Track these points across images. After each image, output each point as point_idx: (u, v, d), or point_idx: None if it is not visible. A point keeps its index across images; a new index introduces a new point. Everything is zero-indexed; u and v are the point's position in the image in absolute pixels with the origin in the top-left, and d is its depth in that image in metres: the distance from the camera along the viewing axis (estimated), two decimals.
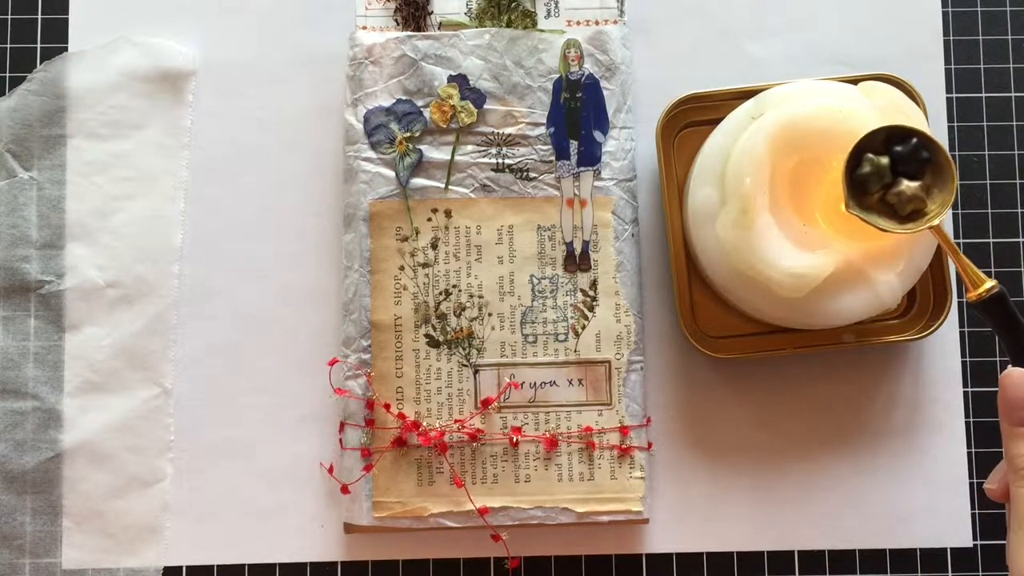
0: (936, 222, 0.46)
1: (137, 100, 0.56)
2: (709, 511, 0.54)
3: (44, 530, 0.53)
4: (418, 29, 0.55)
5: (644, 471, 0.52)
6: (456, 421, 0.52)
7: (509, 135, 0.54)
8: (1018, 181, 0.56)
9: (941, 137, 0.56)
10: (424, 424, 0.52)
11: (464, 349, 0.53)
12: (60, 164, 0.55)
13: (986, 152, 0.56)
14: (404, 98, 0.54)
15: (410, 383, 0.53)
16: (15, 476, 0.53)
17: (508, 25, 0.55)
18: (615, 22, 0.55)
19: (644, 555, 0.54)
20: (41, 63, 0.56)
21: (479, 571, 0.54)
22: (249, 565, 0.54)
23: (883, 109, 0.48)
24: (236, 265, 0.55)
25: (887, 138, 0.46)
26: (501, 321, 0.53)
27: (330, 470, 0.54)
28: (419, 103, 0.54)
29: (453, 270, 0.53)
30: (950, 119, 0.57)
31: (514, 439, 0.52)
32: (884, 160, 0.46)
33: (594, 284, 0.53)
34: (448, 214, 0.53)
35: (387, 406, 0.52)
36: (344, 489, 0.52)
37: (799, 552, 0.54)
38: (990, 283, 0.45)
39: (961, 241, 0.56)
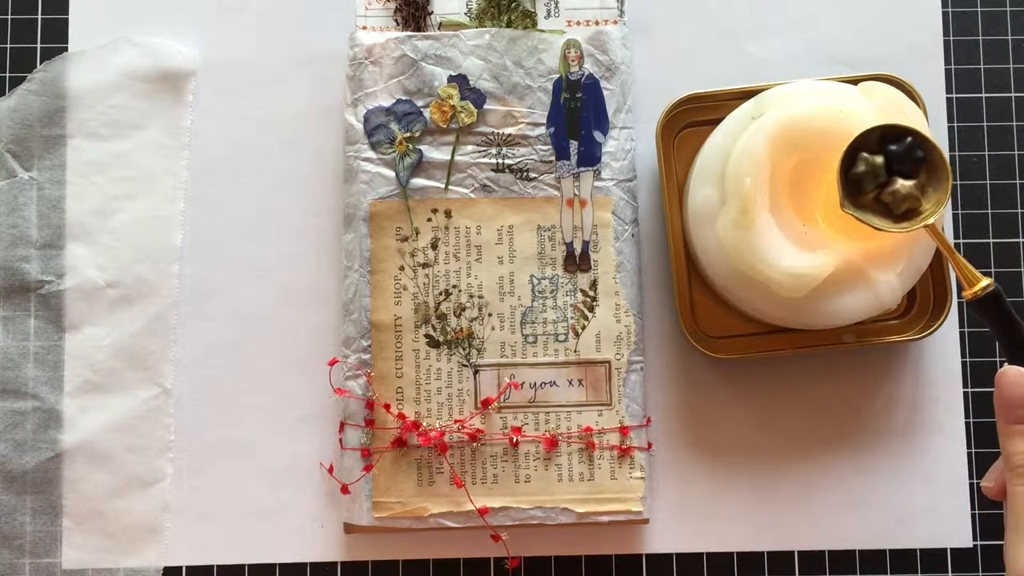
0: (931, 221, 0.46)
1: (137, 100, 0.56)
2: (709, 511, 0.54)
3: (44, 530, 0.53)
4: (418, 29, 0.55)
5: (644, 471, 0.52)
6: (456, 421, 0.52)
7: (509, 135, 0.54)
8: (1018, 181, 0.56)
9: (941, 137, 0.56)
10: (424, 424, 0.52)
11: (464, 349, 0.53)
12: (60, 164, 0.55)
13: (986, 152, 0.57)
14: (404, 98, 0.54)
15: (410, 383, 0.53)
16: (15, 476, 0.53)
17: (508, 25, 0.55)
18: (615, 22, 0.55)
19: (644, 555, 0.54)
20: (41, 63, 0.56)
21: (479, 571, 0.54)
22: (249, 565, 0.54)
23: (883, 109, 0.48)
24: (236, 265, 0.55)
25: (882, 137, 0.46)
26: (501, 321, 0.53)
27: (330, 470, 0.54)
28: (419, 103, 0.54)
29: (453, 270, 0.53)
30: (950, 119, 0.57)
31: (514, 439, 0.52)
32: (879, 159, 0.46)
33: (594, 284, 0.53)
34: (448, 214, 0.53)
35: (387, 406, 0.52)
36: (344, 489, 0.52)
37: (799, 552, 0.54)
38: (986, 282, 0.45)
39: (961, 241, 0.56)
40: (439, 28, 0.55)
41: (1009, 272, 0.56)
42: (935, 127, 0.54)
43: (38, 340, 0.54)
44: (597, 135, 0.54)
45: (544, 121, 0.54)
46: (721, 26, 0.57)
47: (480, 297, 0.53)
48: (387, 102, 0.54)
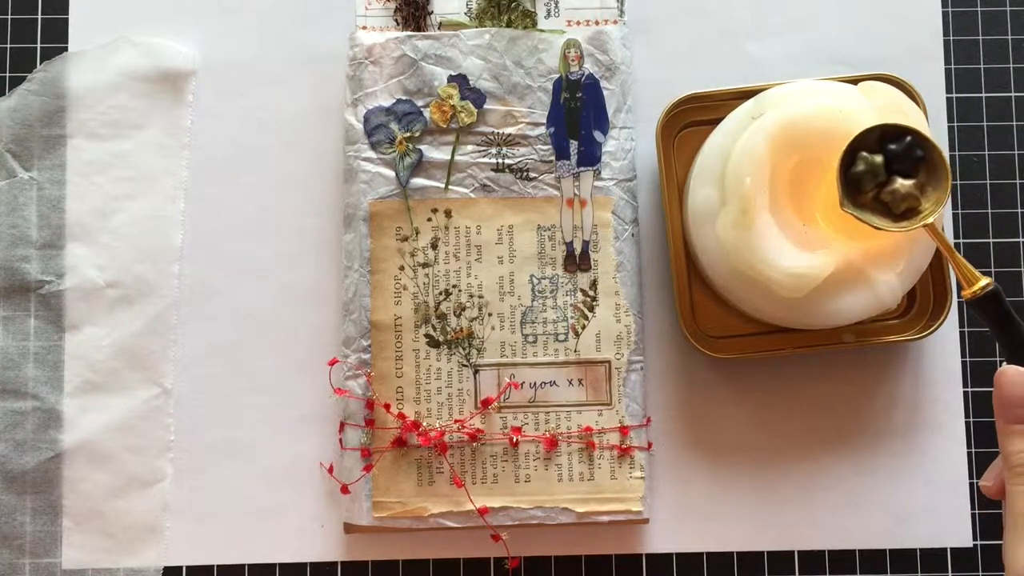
0: (930, 220, 0.46)
1: (137, 100, 0.56)
2: (709, 511, 0.54)
3: (44, 530, 0.53)
4: (418, 29, 0.55)
5: (644, 471, 0.52)
6: (456, 421, 0.52)
7: (509, 135, 0.54)
8: (1018, 181, 0.56)
9: (941, 137, 0.56)
10: (424, 424, 0.52)
11: (464, 349, 0.53)
12: (60, 164, 0.55)
13: (986, 152, 0.57)
14: (404, 98, 0.54)
15: (410, 383, 0.53)
16: (15, 476, 0.53)
17: (508, 25, 0.55)
18: (615, 22, 0.55)
19: (644, 555, 0.54)
20: (41, 63, 0.56)
21: (479, 571, 0.54)
22: (249, 565, 0.54)
23: (883, 109, 0.48)
24: (236, 265, 0.55)
25: (881, 136, 0.46)
26: (501, 321, 0.53)
27: (330, 470, 0.54)
28: (419, 103, 0.54)
29: (453, 270, 0.53)
30: (950, 119, 0.57)
31: (514, 439, 0.52)
32: (878, 158, 0.46)
33: (594, 284, 0.53)
34: (448, 214, 0.53)
35: (387, 406, 0.52)
36: (344, 489, 0.52)
37: (799, 552, 0.54)
38: (984, 281, 0.45)
39: (961, 241, 0.56)
40: (439, 28, 0.55)
41: (1009, 272, 0.56)
42: (935, 127, 0.54)
43: (38, 340, 0.54)
44: (597, 135, 0.54)
45: (544, 121, 0.54)
46: (721, 26, 0.57)
47: (480, 297, 0.53)
48: (387, 102, 0.54)
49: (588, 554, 0.54)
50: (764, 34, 0.57)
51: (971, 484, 0.55)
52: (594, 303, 0.53)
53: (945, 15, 0.57)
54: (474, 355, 0.53)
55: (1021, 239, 0.56)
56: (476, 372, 0.53)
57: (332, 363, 0.53)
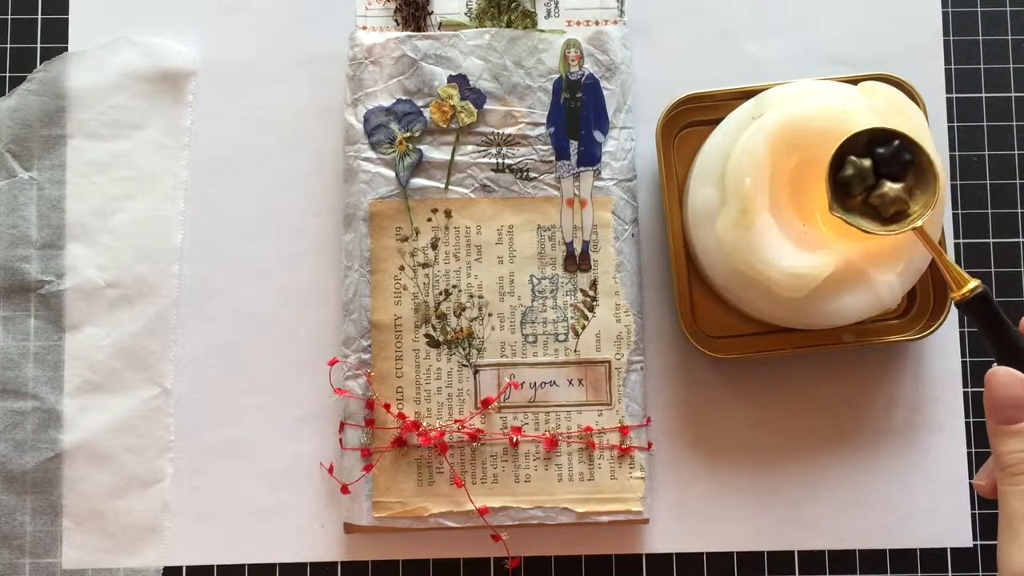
0: (919, 223, 0.46)
1: (137, 100, 0.56)
2: (709, 511, 0.54)
3: (44, 530, 0.53)
4: (418, 29, 0.55)
5: (644, 471, 0.52)
6: (456, 421, 0.52)
7: (509, 135, 0.54)
8: (1018, 181, 0.56)
9: (941, 137, 0.56)
10: (424, 424, 0.52)
11: (464, 349, 0.53)
12: (60, 164, 0.55)
13: (986, 152, 0.57)
14: (404, 98, 0.54)
15: (410, 383, 0.53)
16: (15, 476, 0.53)
17: (508, 25, 0.55)
18: (615, 22, 0.55)
19: (644, 555, 0.54)
20: (41, 63, 0.56)
21: (479, 571, 0.54)
22: (249, 565, 0.54)
23: (883, 109, 0.48)
24: (236, 265, 0.55)
25: (869, 140, 0.47)
26: (501, 321, 0.53)
27: (330, 470, 0.54)
28: (419, 103, 0.54)
29: (453, 270, 0.53)
30: (950, 119, 0.57)
31: (514, 439, 0.52)
32: (866, 162, 0.46)
33: (594, 284, 0.53)
34: (448, 214, 0.53)
35: (387, 406, 0.52)
36: (344, 489, 0.52)
37: (799, 552, 0.54)
38: (974, 283, 0.45)
39: (961, 241, 0.56)
40: (439, 28, 0.55)
41: (1009, 272, 0.56)
42: (935, 127, 0.54)
43: (38, 340, 0.54)
44: (597, 135, 0.54)
45: (544, 121, 0.54)
46: (721, 26, 0.57)
47: (480, 297, 0.53)
48: (387, 102, 0.54)
49: (588, 554, 0.54)
50: (764, 34, 0.57)
51: (971, 484, 0.55)
52: (594, 303, 0.53)
53: (945, 15, 0.57)
54: (474, 355, 0.53)
55: (1021, 239, 0.56)
56: (476, 372, 0.53)
57: (332, 363, 0.53)
